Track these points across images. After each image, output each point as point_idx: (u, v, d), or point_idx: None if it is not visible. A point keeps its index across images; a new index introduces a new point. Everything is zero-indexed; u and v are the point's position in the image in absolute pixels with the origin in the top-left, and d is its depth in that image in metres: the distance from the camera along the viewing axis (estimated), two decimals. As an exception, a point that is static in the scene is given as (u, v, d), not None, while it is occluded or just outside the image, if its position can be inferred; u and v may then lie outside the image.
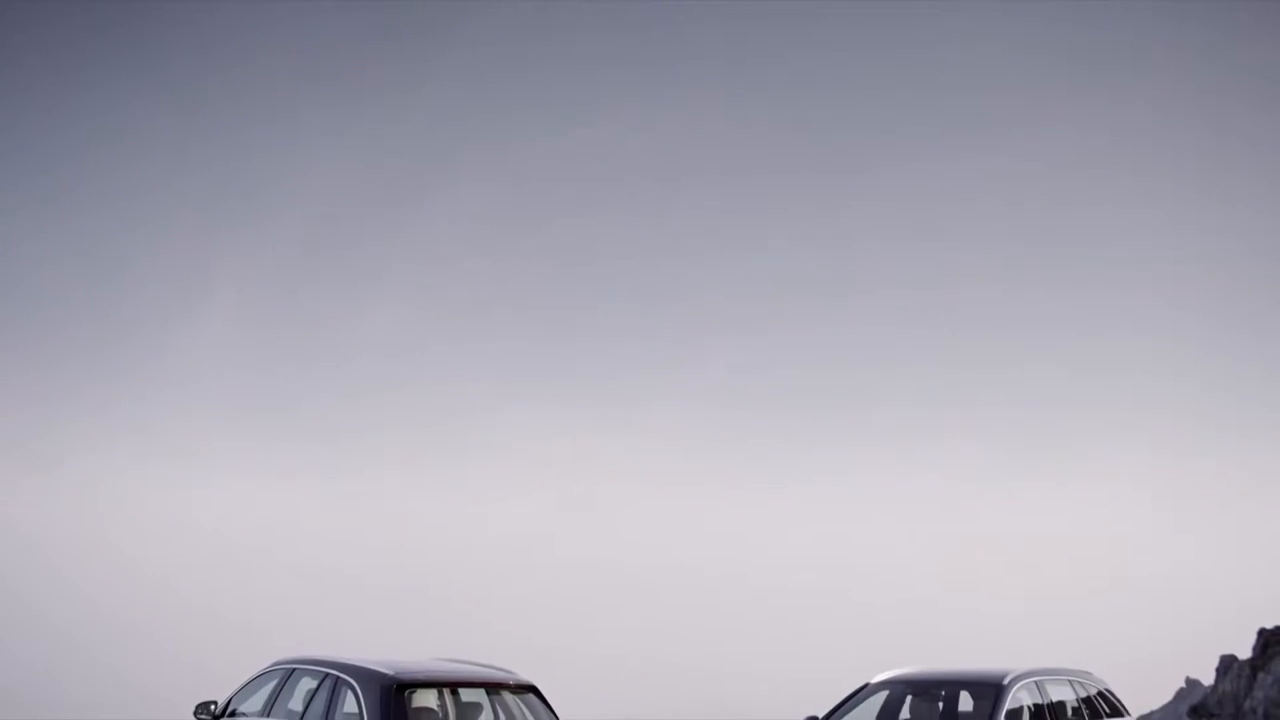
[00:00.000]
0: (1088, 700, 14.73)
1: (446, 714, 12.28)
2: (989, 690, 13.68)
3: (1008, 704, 13.49)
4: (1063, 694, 14.47)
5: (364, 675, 12.18)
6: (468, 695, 12.49)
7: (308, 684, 12.85)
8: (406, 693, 11.98)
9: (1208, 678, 59.66)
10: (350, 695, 12.14)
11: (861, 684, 14.58)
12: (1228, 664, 55.88)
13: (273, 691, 13.25)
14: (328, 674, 12.59)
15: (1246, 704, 52.96)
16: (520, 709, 12.41)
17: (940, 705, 14.09)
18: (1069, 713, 14.33)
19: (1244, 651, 55.31)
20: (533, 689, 12.51)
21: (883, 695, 14.41)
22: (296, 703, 12.85)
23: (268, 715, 13.04)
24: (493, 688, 12.46)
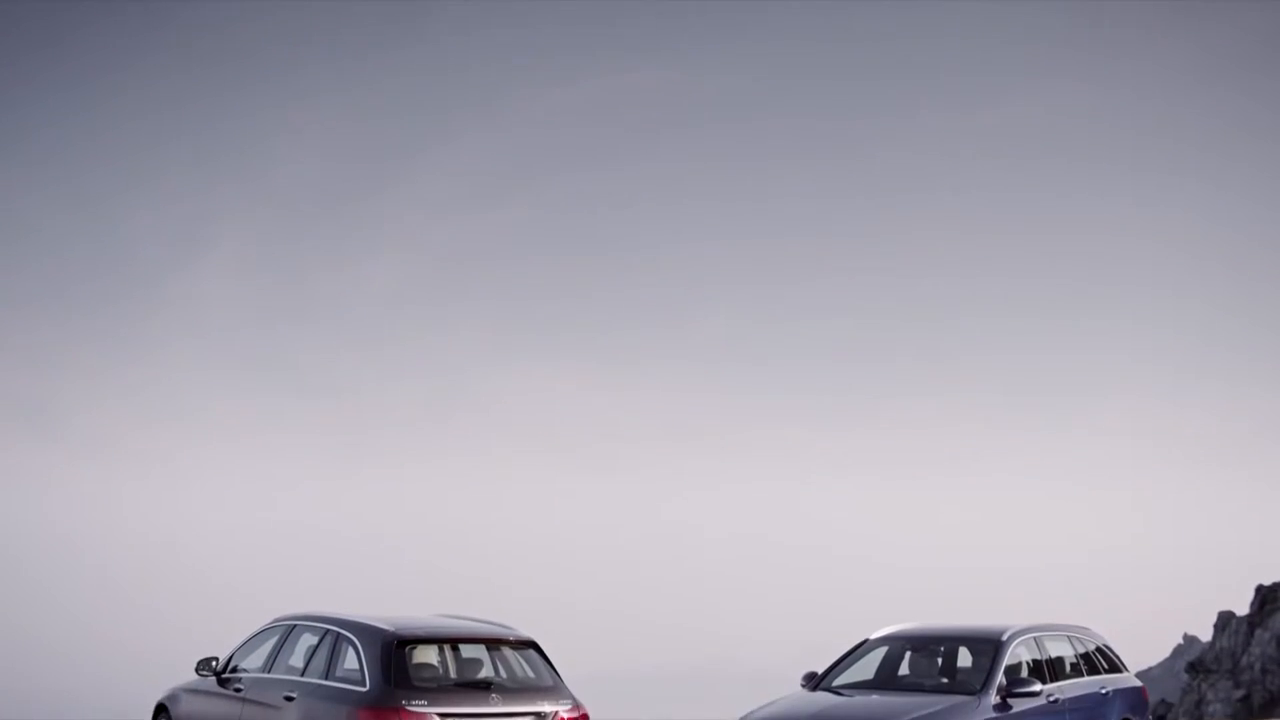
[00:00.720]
0: (1086, 656, 14.79)
1: (447, 669, 12.33)
2: (988, 646, 13.73)
3: (1006, 659, 13.54)
4: (1061, 649, 14.53)
5: (364, 631, 12.23)
6: (468, 651, 12.54)
7: (308, 640, 12.90)
8: (407, 648, 12.03)
9: (1205, 634, 59.87)
10: (351, 650, 12.19)
11: (861, 640, 14.62)
12: (1225, 620, 56.07)
13: (274, 647, 13.30)
14: (328, 630, 12.64)
15: (1244, 660, 53.16)
16: (520, 664, 12.45)
17: (939, 660, 14.14)
18: (1067, 668, 14.39)
19: (1241, 608, 55.51)
20: (532, 644, 12.56)
21: (882, 651, 14.46)
22: (297, 658, 12.90)
23: (269, 671, 13.09)
24: (492, 643, 12.50)
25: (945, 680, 13.78)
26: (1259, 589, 54.32)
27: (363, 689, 11.75)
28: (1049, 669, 14.06)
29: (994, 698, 13.06)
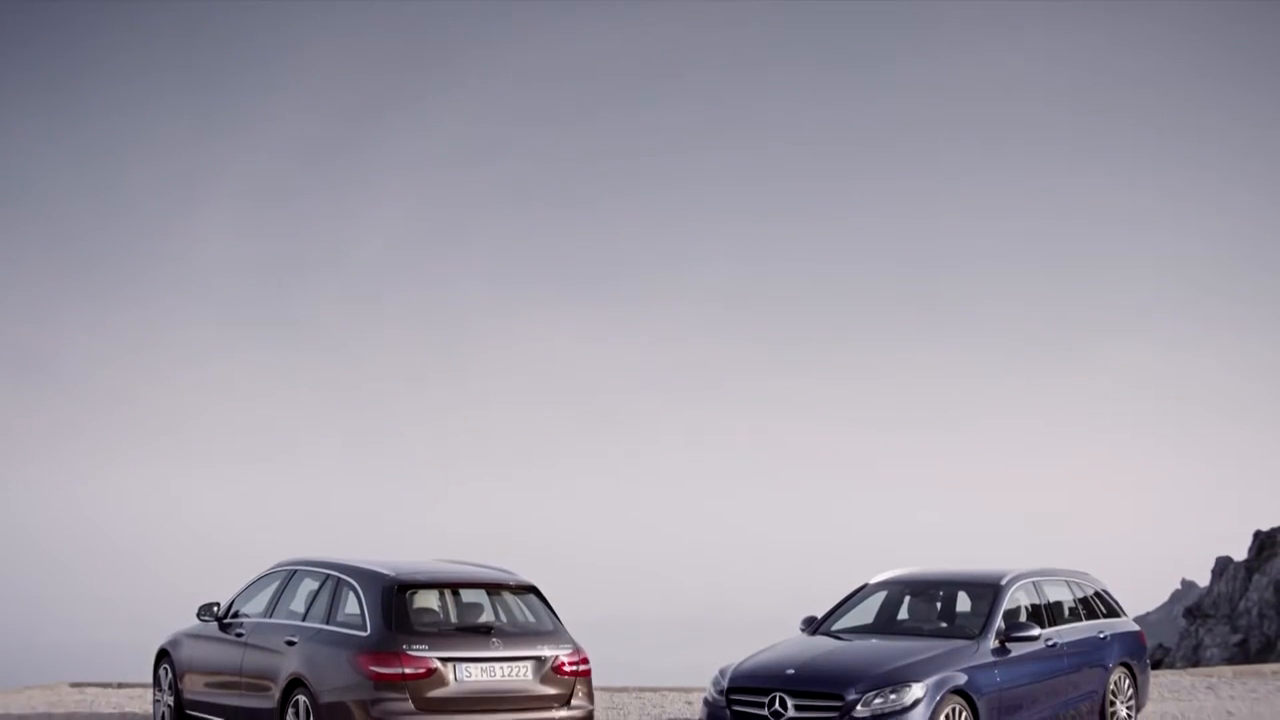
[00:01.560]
0: (1084, 600, 14.84)
1: (447, 614, 12.37)
2: (987, 590, 13.78)
3: (1005, 603, 13.59)
4: (1060, 594, 14.58)
5: (365, 576, 12.27)
6: (468, 595, 12.59)
7: (309, 585, 12.95)
8: (408, 593, 12.07)
9: (1203, 579, 60.14)
10: (352, 596, 12.23)
11: (860, 585, 14.67)
12: (1223, 565, 56.30)
13: (275, 593, 13.35)
14: (329, 575, 12.68)
15: (1241, 604, 53.39)
16: (520, 608, 12.50)
17: (938, 605, 14.19)
18: (1066, 613, 14.44)
19: (1239, 553, 55.75)
20: (533, 589, 12.60)
21: (881, 595, 14.52)
22: (298, 603, 12.94)
23: (270, 616, 13.14)
24: (493, 588, 12.55)
25: (944, 624, 13.84)
26: (1257, 535, 54.52)
27: (364, 633, 11.80)
28: (1047, 613, 14.11)
29: (993, 642, 13.11)
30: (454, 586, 12.52)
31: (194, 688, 13.89)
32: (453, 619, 12.30)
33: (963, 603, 14.07)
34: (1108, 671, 14.46)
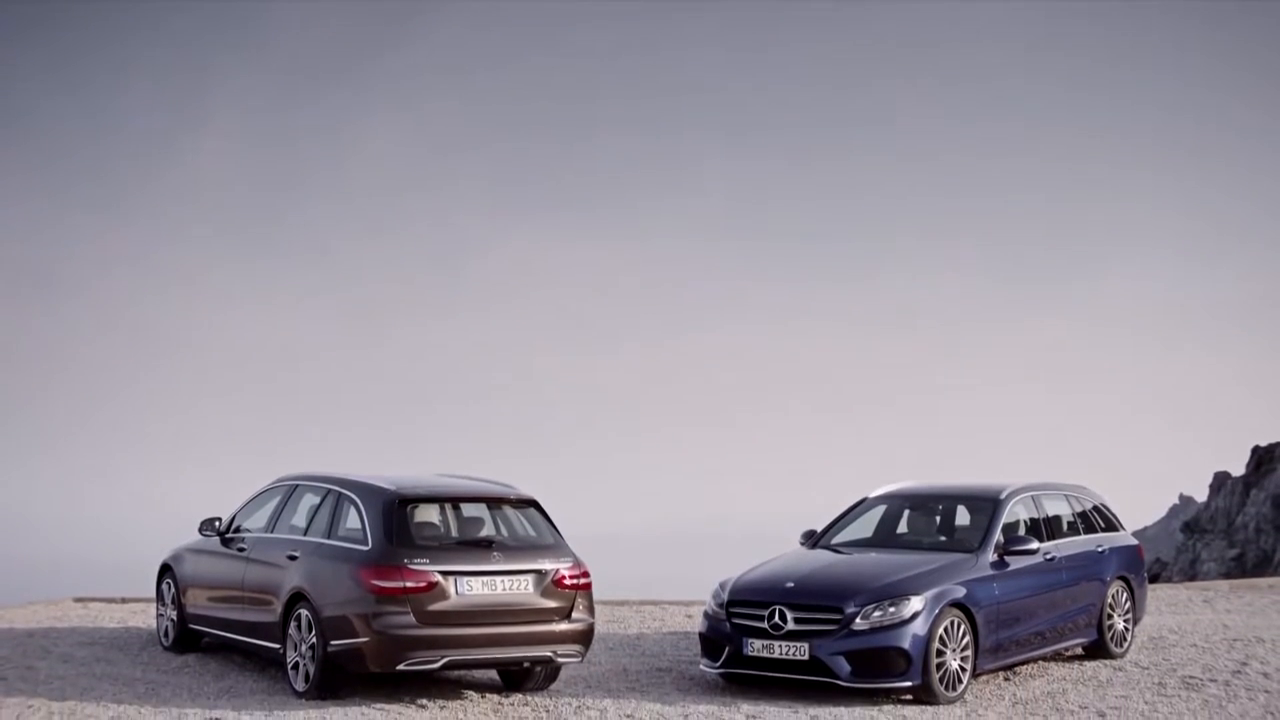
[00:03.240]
0: (1083, 514, 14.89)
1: (448, 528, 12.41)
2: (986, 504, 13.82)
3: (1004, 517, 13.63)
4: (1058, 508, 14.62)
5: (366, 490, 12.29)
6: (469, 510, 12.63)
7: (310, 500, 12.98)
8: (408, 507, 12.10)
9: (1201, 494, 60.33)
10: (353, 510, 12.26)
11: (859, 498, 14.71)
12: (1221, 480, 56.46)
13: (276, 507, 13.38)
14: (330, 489, 12.71)
15: (1239, 519, 53.61)
16: (521, 522, 12.53)
17: (937, 519, 14.24)
18: (1064, 526, 14.49)
19: (1237, 468, 55.87)
20: (533, 503, 12.63)
21: (880, 509, 14.56)
22: (299, 518, 12.98)
23: (271, 531, 13.18)
24: (494, 502, 12.58)
25: (943, 538, 13.89)
26: (1255, 450, 54.59)
27: (365, 548, 11.84)
28: (1046, 527, 14.16)
29: (991, 555, 13.17)
30: (454, 500, 12.55)
31: (196, 602, 13.97)
32: (453, 533, 12.34)
33: (961, 516, 14.12)
34: (1105, 585, 14.53)
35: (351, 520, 12.27)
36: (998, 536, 13.37)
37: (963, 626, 12.46)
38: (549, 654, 12.10)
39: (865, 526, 14.47)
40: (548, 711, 11.71)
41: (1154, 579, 47.64)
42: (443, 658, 11.65)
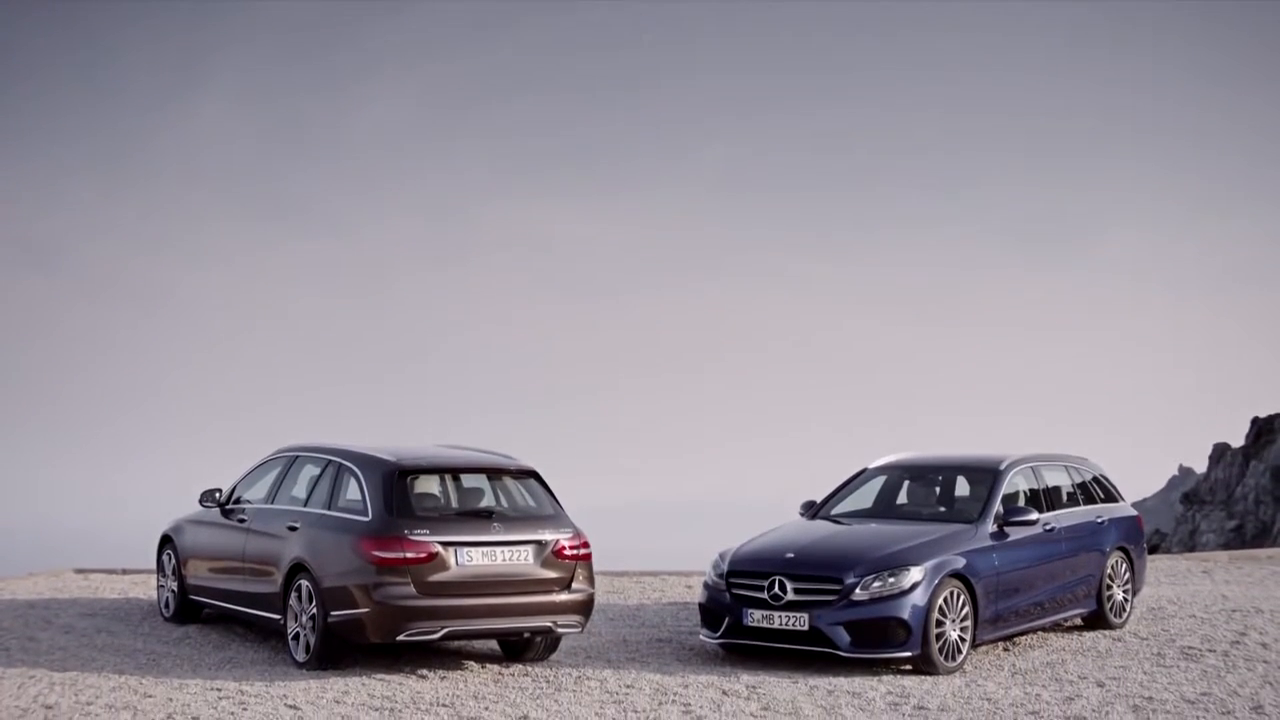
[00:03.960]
0: (1083, 485, 14.89)
1: (448, 498, 12.42)
2: (985, 475, 13.82)
3: (1004, 488, 13.63)
4: (1058, 479, 14.63)
5: (366, 461, 12.29)
6: (469, 480, 12.63)
7: (310, 470, 12.98)
8: (409, 478, 12.10)
9: (1200, 465, 60.38)
10: (353, 481, 12.26)
11: (859, 469, 14.71)
12: (1220, 452, 56.49)
13: (276, 478, 13.39)
14: (330, 460, 12.71)
15: (1238, 490, 53.67)
16: (521, 493, 12.54)
17: (937, 489, 14.25)
18: (1064, 497, 14.49)
19: (1237, 439, 55.90)
20: (533, 473, 12.62)
21: (880, 480, 14.56)
22: (300, 489, 12.99)
23: (272, 502, 13.19)
24: (494, 473, 12.58)
25: (943, 509, 13.90)
26: (1254, 421, 54.60)
27: (365, 519, 11.85)
28: (1046, 498, 14.17)
29: (991, 526, 13.17)
30: (455, 471, 12.55)
31: (197, 573, 13.98)
32: (453, 503, 12.35)
33: (961, 487, 14.13)
34: (1105, 556, 14.54)
35: (352, 491, 12.28)
36: (997, 507, 13.37)
37: (962, 597, 12.48)
38: (549, 624, 12.12)
39: (865, 497, 14.47)
40: (548, 681, 11.74)
41: (1153, 550, 47.72)
42: (443, 628, 11.67)
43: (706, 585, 13.06)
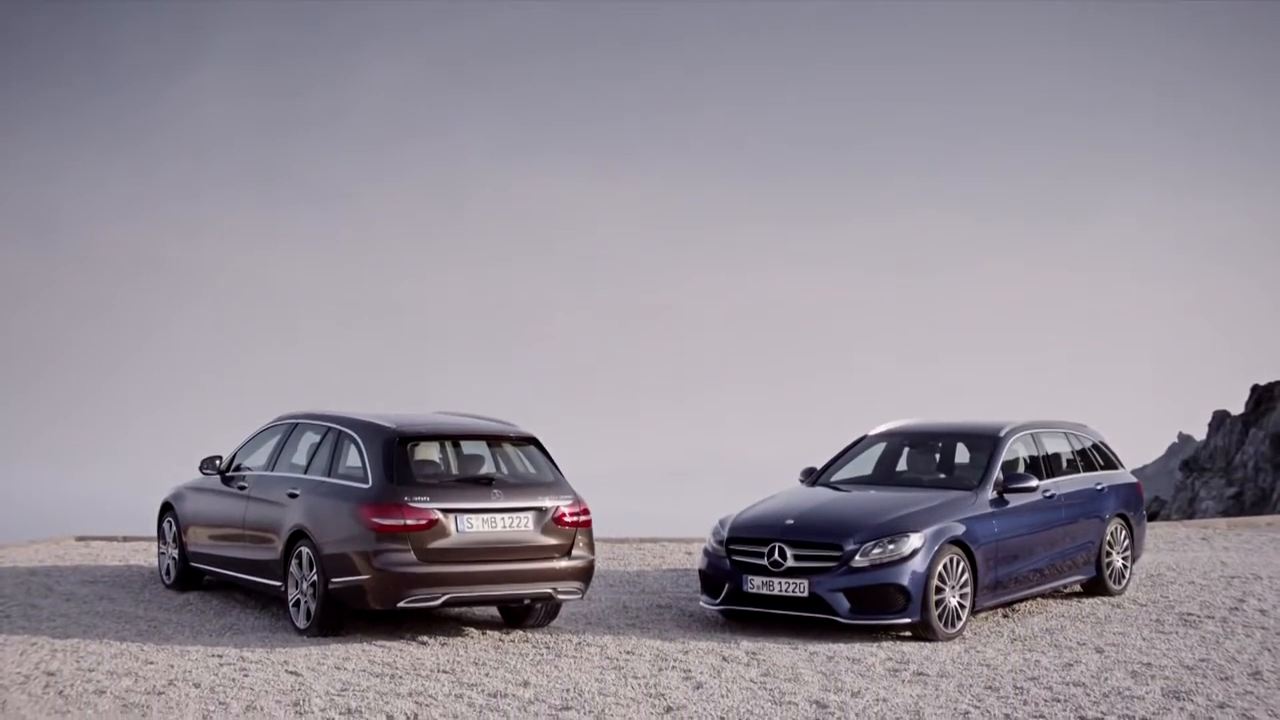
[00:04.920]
0: (1082, 453, 14.90)
1: (448, 465, 12.42)
2: (985, 442, 13.82)
3: (1004, 455, 13.63)
4: (1058, 446, 14.63)
5: (366, 428, 12.29)
6: (469, 447, 12.63)
7: (311, 438, 12.99)
8: (409, 445, 12.10)
9: (1200, 433, 60.43)
10: (353, 448, 12.26)
11: (859, 436, 14.71)
12: (1220, 419, 56.52)
13: (276, 446, 13.39)
14: (330, 428, 12.71)
15: (1238, 458, 53.73)
16: (521, 460, 12.54)
17: (937, 456, 14.25)
18: (1064, 464, 14.50)
19: (1236, 407, 55.93)
20: (533, 440, 12.62)
21: (880, 447, 14.56)
22: (300, 456, 12.99)
23: (272, 469, 13.19)
24: (494, 440, 12.58)
25: (943, 476, 13.91)
26: (1254, 389, 54.58)
27: (365, 485, 11.85)
28: (1046, 465, 14.17)
29: (991, 492, 13.18)
30: (455, 438, 12.55)
31: (198, 540, 14.00)
32: (453, 470, 12.35)
33: (961, 454, 14.13)
34: (1104, 523, 14.56)
35: (352, 458, 12.28)
36: (997, 474, 13.38)
37: (962, 563, 12.50)
38: (549, 591, 12.14)
39: (865, 464, 14.48)
40: (548, 648, 11.76)
41: (1152, 517, 47.79)
42: (443, 595, 11.69)
43: (706, 552, 13.08)
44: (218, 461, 13.96)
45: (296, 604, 12.19)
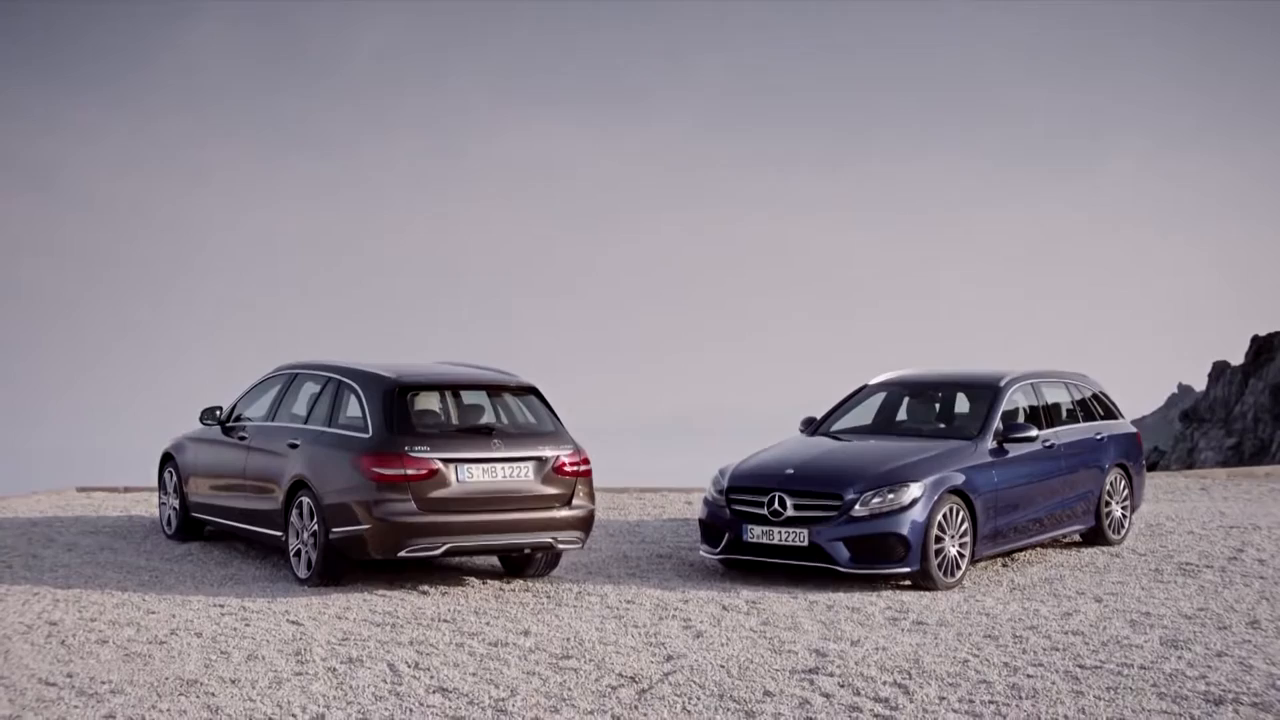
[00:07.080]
0: (1082, 403, 14.90)
1: (448, 415, 12.42)
2: (985, 392, 13.82)
3: (1003, 405, 13.64)
4: (1058, 396, 14.63)
5: (366, 378, 12.29)
6: (469, 397, 12.63)
7: (311, 388, 12.98)
8: (409, 394, 12.10)
9: (1200, 383, 60.50)
10: (353, 398, 12.26)
11: (859, 386, 14.71)
12: (1220, 370, 56.58)
13: (276, 396, 13.39)
14: (330, 378, 12.70)
15: (1237, 409, 53.81)
16: (521, 409, 12.54)
17: (937, 406, 14.25)
18: (1063, 414, 14.51)
19: (1236, 358, 55.98)
20: (533, 390, 12.62)
21: (880, 397, 14.57)
22: (300, 406, 12.99)
23: (272, 419, 13.20)
24: (494, 390, 12.57)
25: (943, 425, 13.91)
26: (1254, 339, 54.63)
27: (365, 435, 11.86)
28: (1045, 414, 14.18)
29: (991, 442, 13.19)
30: (455, 388, 12.55)
31: (198, 491, 14.03)
32: (454, 420, 12.35)
33: (961, 404, 14.13)
34: (1104, 473, 14.58)
35: (352, 408, 12.28)
36: (997, 424, 13.39)
37: (961, 513, 12.52)
38: (549, 540, 12.17)
39: (865, 414, 14.48)
40: (549, 597, 11.80)
41: (1152, 467, 47.90)
42: (444, 544, 11.72)
43: (706, 501, 13.10)
44: (218, 412, 13.97)
45: (297, 554, 12.22)
